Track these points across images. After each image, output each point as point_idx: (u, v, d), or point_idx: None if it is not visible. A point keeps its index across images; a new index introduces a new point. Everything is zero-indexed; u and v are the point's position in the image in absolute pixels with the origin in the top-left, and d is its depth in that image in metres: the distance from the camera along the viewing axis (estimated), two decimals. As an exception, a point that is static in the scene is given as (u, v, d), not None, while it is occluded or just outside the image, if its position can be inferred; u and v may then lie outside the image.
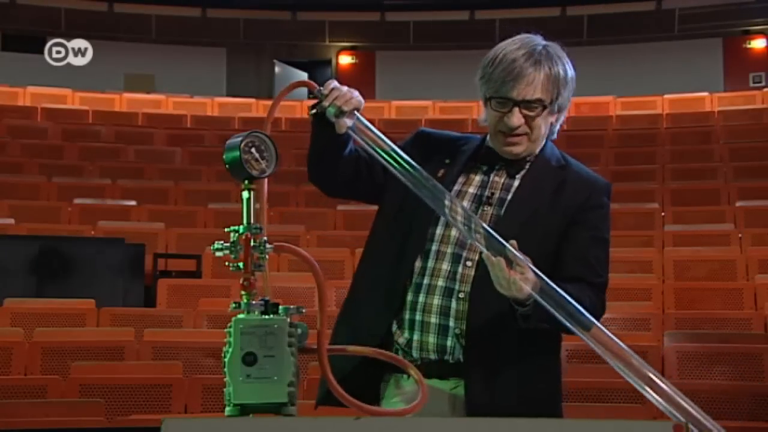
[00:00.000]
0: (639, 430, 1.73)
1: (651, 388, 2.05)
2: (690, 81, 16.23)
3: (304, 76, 19.43)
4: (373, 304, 2.40)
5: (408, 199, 2.36)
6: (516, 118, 2.34)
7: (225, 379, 1.89)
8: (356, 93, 2.29)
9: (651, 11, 17.86)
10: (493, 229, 2.21)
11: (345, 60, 18.83)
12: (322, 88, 2.29)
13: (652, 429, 1.76)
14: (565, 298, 2.14)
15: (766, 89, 15.81)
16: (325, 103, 2.27)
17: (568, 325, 2.13)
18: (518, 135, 2.37)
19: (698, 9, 17.39)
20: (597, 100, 15.36)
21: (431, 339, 2.35)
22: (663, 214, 10.18)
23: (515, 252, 2.14)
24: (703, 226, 9.67)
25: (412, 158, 2.29)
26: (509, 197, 2.40)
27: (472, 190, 2.42)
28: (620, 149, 12.75)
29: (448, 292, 2.35)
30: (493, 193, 2.41)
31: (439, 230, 2.39)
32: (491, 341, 2.32)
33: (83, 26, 17.27)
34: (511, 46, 2.35)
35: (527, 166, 2.43)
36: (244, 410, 1.88)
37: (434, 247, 2.38)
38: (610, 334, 2.12)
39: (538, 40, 2.38)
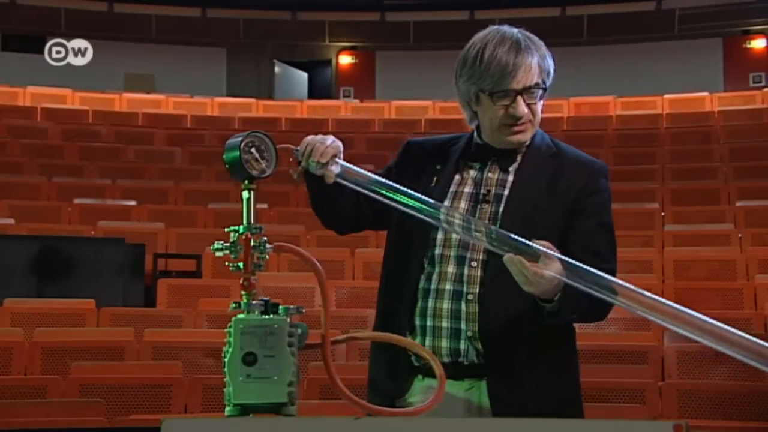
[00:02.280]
0: (639, 430, 1.73)
1: (704, 332, 1.96)
2: (690, 81, 16.23)
3: (304, 76, 19.46)
4: (390, 315, 2.41)
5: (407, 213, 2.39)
6: (522, 107, 2.35)
7: (225, 379, 1.89)
8: (330, 140, 2.31)
9: (651, 11, 17.86)
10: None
11: (345, 60, 18.83)
12: (297, 148, 2.32)
13: (652, 429, 1.76)
14: (592, 272, 2.07)
15: (766, 89, 15.81)
16: (304, 164, 2.31)
17: (603, 296, 2.05)
18: (524, 123, 2.38)
19: (698, 9, 17.39)
20: (597, 100, 15.37)
21: (444, 343, 2.35)
22: (663, 214, 10.18)
23: (534, 245, 2.11)
24: (703, 226, 9.67)
25: (406, 171, 2.39)
26: (506, 193, 2.39)
27: (467, 189, 2.42)
28: (620, 149, 12.75)
29: (456, 295, 2.34)
30: (489, 190, 2.40)
31: (440, 235, 2.39)
32: (505, 341, 2.31)
33: (83, 26, 17.27)
34: (494, 39, 2.36)
35: (519, 158, 2.43)
36: (244, 410, 1.88)
37: (437, 252, 2.38)
38: (644, 292, 2.03)
39: (512, 30, 2.40)
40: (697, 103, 15.31)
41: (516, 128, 2.37)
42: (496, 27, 2.41)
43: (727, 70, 17.36)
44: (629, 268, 8.32)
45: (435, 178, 2.40)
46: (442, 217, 2.21)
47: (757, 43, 17.48)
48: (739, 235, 9.22)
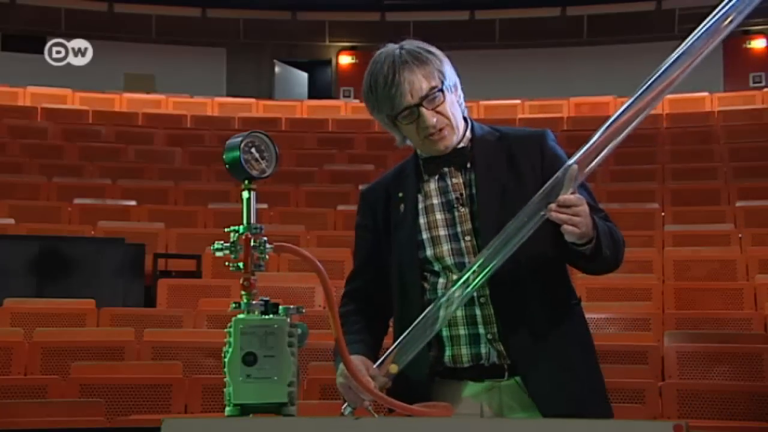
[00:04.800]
0: (639, 430, 1.73)
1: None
2: (690, 81, 16.09)
3: (304, 76, 19.45)
4: (408, 340, 2.38)
5: (395, 236, 2.43)
6: (428, 118, 2.33)
7: (225, 379, 1.89)
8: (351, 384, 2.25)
9: (651, 11, 17.86)
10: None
11: (345, 60, 18.83)
12: (345, 407, 2.30)
13: (652, 429, 1.76)
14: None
15: (766, 89, 15.81)
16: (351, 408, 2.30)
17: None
18: (442, 129, 2.36)
19: (698, 9, 17.31)
20: (597, 100, 15.34)
21: (464, 350, 2.36)
22: (663, 214, 10.17)
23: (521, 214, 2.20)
24: (703, 226, 9.66)
25: (376, 218, 2.44)
26: (475, 191, 2.38)
27: (436, 201, 2.42)
28: (620, 149, 12.55)
29: (468, 301, 2.33)
30: (462, 194, 2.40)
31: (429, 252, 2.39)
32: (528, 334, 2.33)
33: (83, 26, 17.27)
34: (376, 67, 2.36)
35: (470, 153, 2.42)
36: (244, 410, 1.88)
37: (436, 266, 2.38)
38: (588, 146, 2.34)
39: (390, 49, 2.38)
40: (697, 103, 15.30)
41: (436, 137, 2.36)
42: (379, 51, 2.40)
43: (727, 70, 17.35)
44: (629, 268, 8.31)
45: (402, 206, 2.42)
46: (442, 313, 2.25)
47: (757, 43, 17.48)
48: (739, 235, 9.22)
